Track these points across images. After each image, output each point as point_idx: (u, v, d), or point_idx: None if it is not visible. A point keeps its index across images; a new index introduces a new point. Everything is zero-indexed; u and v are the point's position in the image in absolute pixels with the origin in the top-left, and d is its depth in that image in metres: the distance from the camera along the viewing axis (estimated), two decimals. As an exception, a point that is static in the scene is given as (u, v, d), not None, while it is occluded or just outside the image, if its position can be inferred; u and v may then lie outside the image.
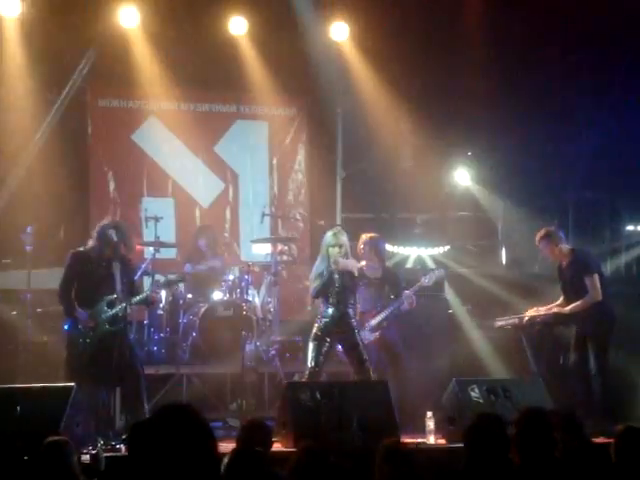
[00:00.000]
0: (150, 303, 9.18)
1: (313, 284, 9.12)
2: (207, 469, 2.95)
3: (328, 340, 9.00)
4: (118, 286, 8.55)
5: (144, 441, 2.95)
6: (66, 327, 8.61)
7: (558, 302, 9.59)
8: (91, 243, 8.65)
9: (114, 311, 8.47)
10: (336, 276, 8.96)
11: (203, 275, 11.31)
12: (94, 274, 8.50)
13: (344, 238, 9.07)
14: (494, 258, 13.14)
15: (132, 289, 8.78)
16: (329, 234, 9.14)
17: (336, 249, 8.97)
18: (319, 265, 9.12)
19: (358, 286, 9.28)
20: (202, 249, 11.65)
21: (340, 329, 9.03)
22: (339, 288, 8.99)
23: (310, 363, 8.98)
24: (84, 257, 8.58)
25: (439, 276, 10.08)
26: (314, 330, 9.05)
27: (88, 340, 8.39)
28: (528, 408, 5.41)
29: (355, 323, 9.13)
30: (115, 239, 8.52)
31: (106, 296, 8.50)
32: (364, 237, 9.88)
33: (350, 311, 9.10)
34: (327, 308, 9.05)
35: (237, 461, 4.55)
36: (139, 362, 8.82)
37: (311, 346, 9.03)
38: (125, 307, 8.46)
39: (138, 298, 8.70)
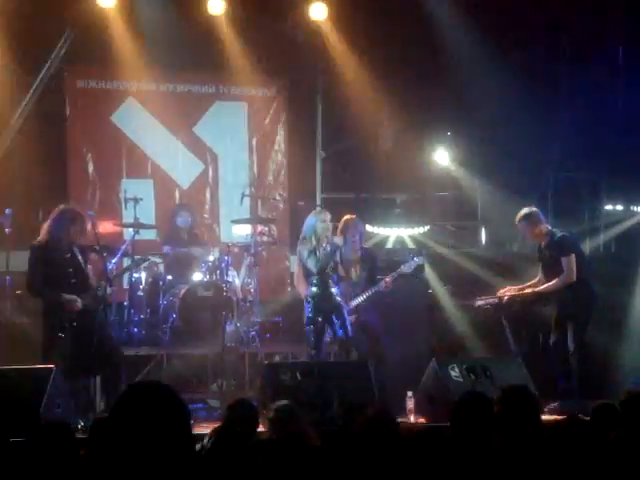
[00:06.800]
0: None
1: (308, 263, 9.19)
2: (180, 454, 2.85)
3: (320, 320, 9.15)
4: (86, 270, 8.56)
5: (107, 437, 2.87)
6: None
7: (532, 282, 9.65)
8: (49, 230, 8.51)
9: (99, 294, 8.46)
10: (320, 255, 9.08)
11: (183, 256, 11.29)
12: (61, 262, 8.44)
13: (328, 216, 9.30)
14: (474, 238, 13.18)
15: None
16: (312, 214, 9.32)
17: (322, 225, 9.15)
18: (305, 245, 9.22)
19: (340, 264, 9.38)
20: (180, 227, 11.59)
21: (327, 307, 9.14)
22: (329, 267, 9.15)
23: (310, 350, 9.18)
24: (47, 247, 8.45)
25: (418, 264, 10.13)
26: (305, 314, 9.19)
27: (74, 324, 8.35)
28: (511, 386, 5.43)
29: (341, 300, 9.24)
30: (73, 225, 8.47)
31: (79, 281, 8.47)
32: (346, 218, 9.93)
33: (335, 289, 9.20)
34: (312, 288, 9.15)
35: (220, 440, 4.57)
36: (118, 345, 8.83)
37: (307, 331, 9.18)
38: (105, 290, 8.47)
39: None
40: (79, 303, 8.36)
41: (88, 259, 8.76)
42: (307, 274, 9.27)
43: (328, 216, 9.32)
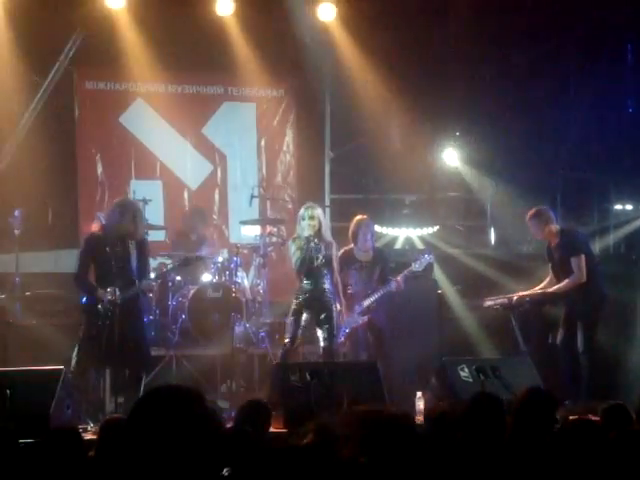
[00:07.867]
0: (146, 290, 9.20)
1: (293, 259, 9.25)
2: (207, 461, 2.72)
3: (305, 315, 9.13)
4: (134, 266, 8.56)
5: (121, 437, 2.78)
6: (84, 300, 8.62)
7: (543, 284, 9.63)
8: (102, 223, 8.64)
9: (130, 291, 8.48)
10: (311, 252, 9.03)
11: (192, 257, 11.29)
12: (110, 255, 8.48)
13: (317, 212, 9.19)
14: (483, 238, 13.16)
15: (146, 269, 8.81)
16: (301, 209, 9.29)
17: (308, 222, 9.10)
18: (294, 241, 9.27)
19: (333, 259, 9.29)
20: (191, 238, 11.61)
21: (316, 304, 9.12)
22: (315, 263, 9.08)
23: (286, 340, 9.19)
24: (98, 239, 8.59)
25: (429, 262, 10.12)
26: (292, 306, 9.20)
27: (108, 322, 8.37)
28: (532, 387, 5.40)
29: (332, 298, 9.19)
30: (128, 218, 8.53)
31: (122, 276, 8.48)
32: (357, 219, 9.92)
33: (327, 287, 9.16)
34: (303, 284, 9.14)
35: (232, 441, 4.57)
36: (147, 344, 8.89)
37: (288, 322, 9.19)
38: (136, 288, 8.52)
39: (144, 283, 8.74)
40: (118, 298, 8.37)
41: (146, 254, 8.86)
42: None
43: (315, 212, 9.20)
